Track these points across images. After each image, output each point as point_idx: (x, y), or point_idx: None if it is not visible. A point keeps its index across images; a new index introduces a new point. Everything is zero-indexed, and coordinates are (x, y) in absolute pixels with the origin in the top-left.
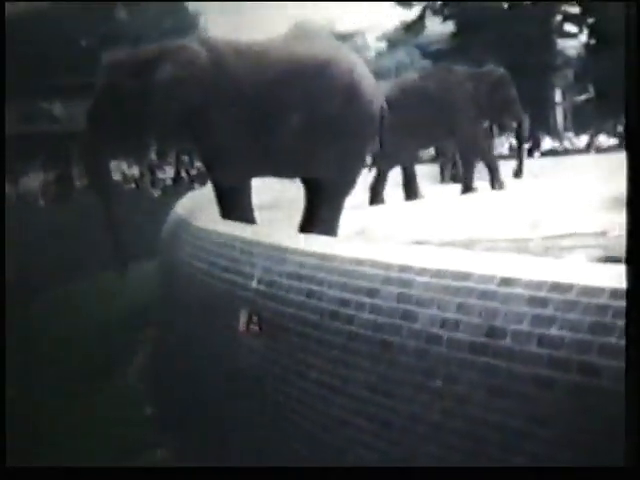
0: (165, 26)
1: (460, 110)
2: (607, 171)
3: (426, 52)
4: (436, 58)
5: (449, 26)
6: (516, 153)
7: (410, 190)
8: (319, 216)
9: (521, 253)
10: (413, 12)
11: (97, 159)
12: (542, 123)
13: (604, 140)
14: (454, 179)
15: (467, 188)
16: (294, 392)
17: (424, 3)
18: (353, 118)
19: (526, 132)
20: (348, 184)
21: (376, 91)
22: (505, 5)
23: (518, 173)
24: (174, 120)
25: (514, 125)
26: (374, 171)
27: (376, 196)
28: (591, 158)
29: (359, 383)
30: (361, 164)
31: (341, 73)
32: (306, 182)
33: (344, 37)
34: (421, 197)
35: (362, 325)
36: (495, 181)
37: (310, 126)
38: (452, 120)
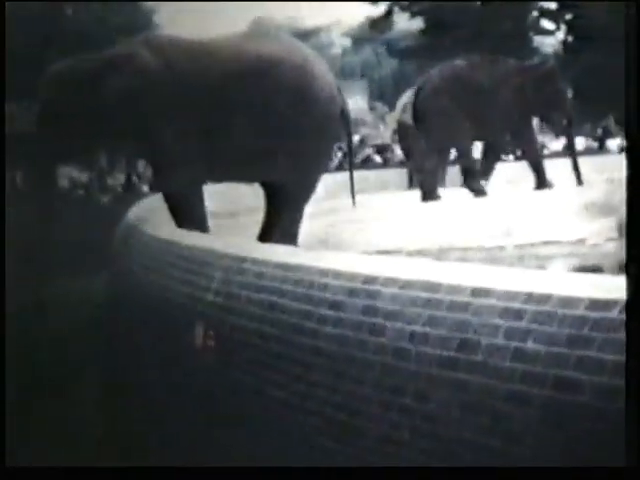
0: (113, 24)
1: (507, 103)
2: (585, 175)
3: (394, 49)
4: (404, 56)
5: (418, 23)
6: (568, 154)
7: (471, 187)
8: (279, 223)
9: (494, 262)
10: (380, 8)
11: (44, 164)
12: None
13: (582, 143)
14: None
15: (542, 184)
16: (254, 410)
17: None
18: (307, 119)
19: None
20: (307, 189)
21: (335, 91)
22: (478, 1)
23: (578, 179)
24: (123, 129)
25: (564, 122)
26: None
27: (431, 192)
28: (569, 162)
29: (322, 401)
30: (320, 167)
31: (294, 72)
32: (264, 187)
33: (307, 34)
34: (485, 194)
35: (326, 339)
36: (540, 183)
37: (263, 128)
38: (499, 114)
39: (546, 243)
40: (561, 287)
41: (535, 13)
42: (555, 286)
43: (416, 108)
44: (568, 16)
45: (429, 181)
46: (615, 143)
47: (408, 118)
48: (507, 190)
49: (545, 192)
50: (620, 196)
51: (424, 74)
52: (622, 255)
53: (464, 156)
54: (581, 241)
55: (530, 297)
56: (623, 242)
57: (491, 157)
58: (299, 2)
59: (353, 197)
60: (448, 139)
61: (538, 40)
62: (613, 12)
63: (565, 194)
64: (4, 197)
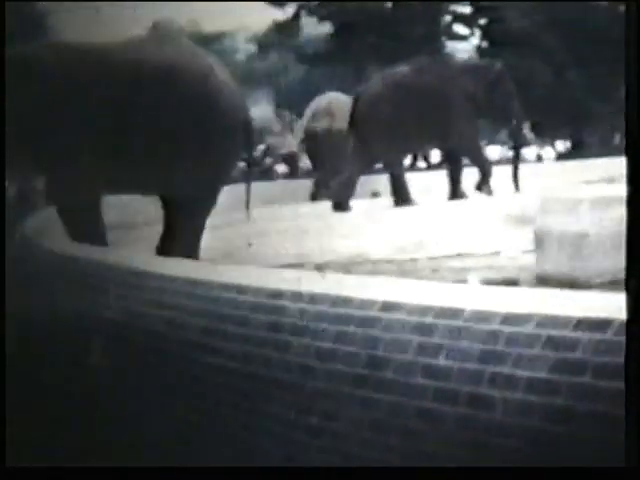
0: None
1: (456, 108)
2: (504, 185)
3: (302, 55)
4: (312, 62)
5: (327, 27)
6: (512, 158)
7: (400, 197)
8: (179, 237)
9: (406, 275)
10: (288, 12)
11: None
12: None
13: (498, 151)
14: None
15: (456, 194)
16: (154, 429)
17: (299, 2)
18: (210, 130)
19: (523, 135)
20: (207, 202)
21: (238, 100)
22: (389, 4)
23: (515, 183)
24: (16, 141)
25: (512, 124)
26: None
27: (344, 203)
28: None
29: (226, 420)
30: (221, 180)
31: (195, 82)
32: (163, 200)
33: (209, 39)
34: (414, 204)
35: (230, 356)
36: (483, 186)
37: (163, 139)
38: (447, 119)
39: (460, 255)
40: (474, 301)
41: (448, 17)
42: (468, 300)
43: (353, 116)
44: (482, 21)
45: (343, 191)
46: (531, 151)
47: (319, 126)
48: (421, 200)
49: (461, 202)
50: (536, 206)
51: (366, 81)
52: (538, 269)
53: (394, 166)
54: (496, 253)
55: (442, 311)
56: (541, 254)
57: (453, 165)
58: (201, 2)
59: (248, 209)
60: (382, 149)
61: (452, 45)
62: (528, 16)
63: (482, 204)
64: (4, 197)
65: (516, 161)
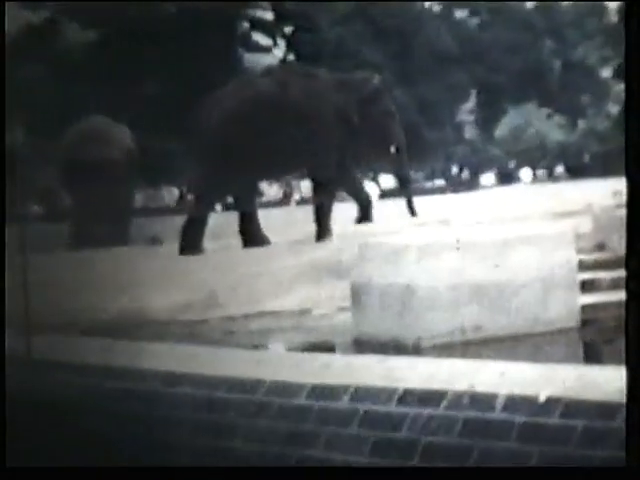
0: None
1: (326, 129)
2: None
3: (59, 67)
4: (73, 76)
5: (91, 35)
6: (400, 188)
7: (251, 238)
8: None
9: (196, 339)
10: (40, 15)
11: None
12: None
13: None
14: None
15: (323, 233)
16: None
17: (55, 4)
18: None
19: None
20: None
21: None
22: (173, 8)
23: (412, 211)
24: None
25: (392, 151)
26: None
27: (192, 246)
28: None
29: None
30: None
31: None
32: None
33: None
34: (267, 244)
35: None
36: (363, 221)
37: None
38: (315, 143)
39: (262, 314)
40: (277, 371)
41: (246, 24)
42: (272, 370)
43: (197, 139)
44: (288, 29)
45: (191, 232)
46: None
47: (87, 154)
48: (213, 247)
49: (271, 248)
50: (351, 255)
51: (212, 92)
52: (356, 330)
53: (245, 202)
54: (306, 312)
55: (238, 383)
56: (359, 311)
57: (323, 198)
58: None
59: None
60: (232, 180)
61: (251, 59)
62: (345, 24)
63: (292, 251)
64: (4, 198)
65: (407, 188)
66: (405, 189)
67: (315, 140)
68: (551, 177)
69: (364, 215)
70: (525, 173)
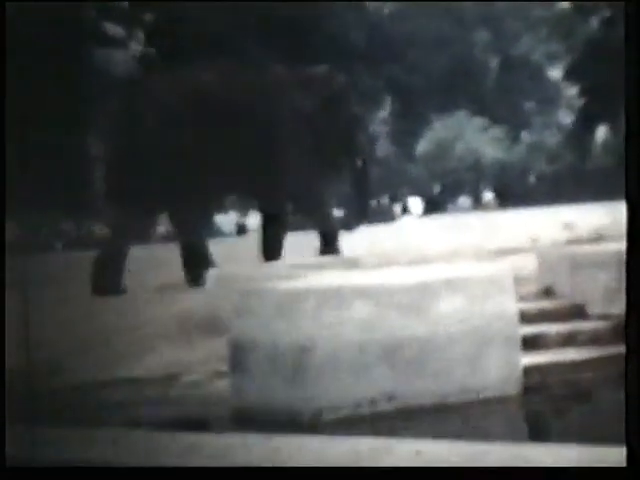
0: None
1: (285, 137)
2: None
3: None
4: None
5: None
6: (356, 203)
7: (193, 275)
8: None
9: None
10: None
11: None
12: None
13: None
14: None
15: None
16: None
17: None
18: None
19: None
20: None
21: None
22: None
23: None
24: None
25: (358, 164)
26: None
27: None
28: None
29: None
30: None
31: None
32: None
33: None
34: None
35: None
36: (329, 250)
37: None
38: (270, 156)
39: (117, 382)
40: (132, 454)
41: (93, 13)
42: (121, 454)
43: (117, 150)
44: (149, 17)
45: (106, 273)
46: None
47: None
48: (58, 295)
49: (123, 298)
50: (232, 304)
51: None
52: (237, 401)
53: (186, 230)
54: (173, 377)
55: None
56: (240, 377)
57: (274, 229)
58: None
59: None
60: (161, 205)
61: (107, 56)
62: (216, 15)
63: (156, 300)
64: (4, 199)
65: (365, 209)
66: (362, 214)
67: (269, 152)
68: (486, 204)
69: (328, 244)
70: (451, 199)
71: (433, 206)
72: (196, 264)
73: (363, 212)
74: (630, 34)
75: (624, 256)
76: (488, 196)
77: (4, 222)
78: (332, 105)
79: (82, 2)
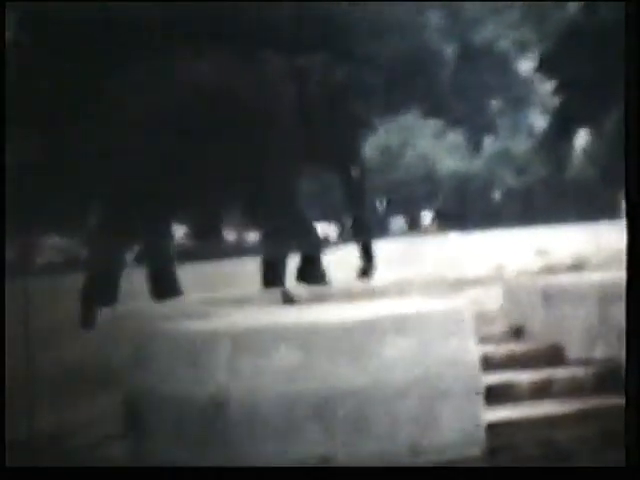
0: None
1: (280, 135)
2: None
3: None
4: None
5: None
6: (353, 217)
7: (87, 313)
8: None
9: None
10: None
11: None
12: None
13: None
14: None
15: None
16: None
17: None
18: None
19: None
20: None
21: None
22: None
23: (367, 269)
24: None
25: (353, 173)
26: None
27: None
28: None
29: None
30: None
31: None
32: None
33: None
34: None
35: None
36: (312, 274)
37: None
38: (265, 156)
39: None
40: None
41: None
42: None
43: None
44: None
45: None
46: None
47: None
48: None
49: None
50: (127, 351)
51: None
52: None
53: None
54: (57, 440)
55: None
56: (135, 441)
57: (277, 249)
58: None
59: None
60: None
61: None
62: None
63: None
64: (4, 201)
65: (365, 231)
66: (360, 230)
67: (264, 152)
68: (441, 224)
69: (312, 266)
70: (396, 220)
71: (377, 226)
72: (99, 298)
73: (363, 227)
74: (630, 34)
75: (608, 288)
76: (445, 214)
77: (4, 222)
78: (330, 100)
79: None
